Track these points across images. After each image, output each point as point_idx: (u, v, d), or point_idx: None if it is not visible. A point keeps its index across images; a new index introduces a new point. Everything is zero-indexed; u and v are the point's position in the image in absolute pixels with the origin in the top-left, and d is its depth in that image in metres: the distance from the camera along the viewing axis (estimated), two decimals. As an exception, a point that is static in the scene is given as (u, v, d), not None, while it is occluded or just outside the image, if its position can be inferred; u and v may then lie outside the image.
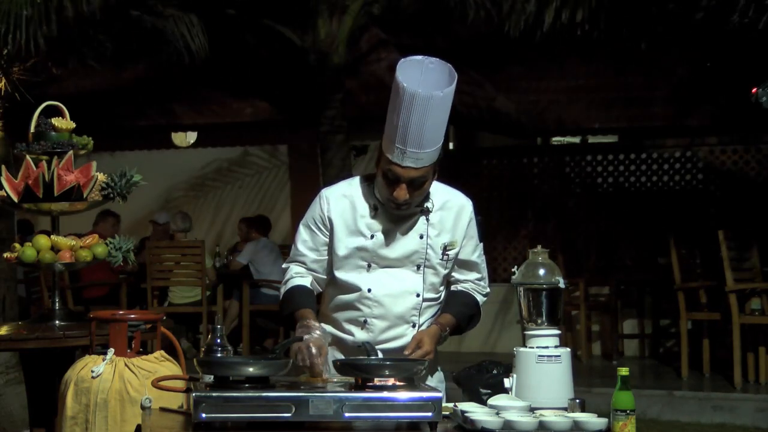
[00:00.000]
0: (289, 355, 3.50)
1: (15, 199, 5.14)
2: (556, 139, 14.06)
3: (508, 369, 3.63)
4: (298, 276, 3.94)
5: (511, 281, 3.82)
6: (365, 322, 3.88)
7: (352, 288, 3.88)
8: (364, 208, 3.87)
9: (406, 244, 3.86)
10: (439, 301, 3.96)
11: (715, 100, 11.48)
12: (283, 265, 4.02)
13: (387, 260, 3.86)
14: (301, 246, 3.94)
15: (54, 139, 5.17)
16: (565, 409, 3.36)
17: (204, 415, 3.03)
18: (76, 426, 4.01)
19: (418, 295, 3.88)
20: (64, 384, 4.08)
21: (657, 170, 11.95)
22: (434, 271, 3.90)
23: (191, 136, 13.62)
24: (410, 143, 3.67)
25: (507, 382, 3.56)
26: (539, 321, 3.58)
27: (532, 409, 3.32)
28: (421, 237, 3.86)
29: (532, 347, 3.54)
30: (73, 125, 5.27)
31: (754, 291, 9.23)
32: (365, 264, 3.86)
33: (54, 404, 4.30)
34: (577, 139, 14.03)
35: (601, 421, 3.18)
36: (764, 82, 7.99)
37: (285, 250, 11.89)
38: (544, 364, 3.49)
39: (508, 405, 3.32)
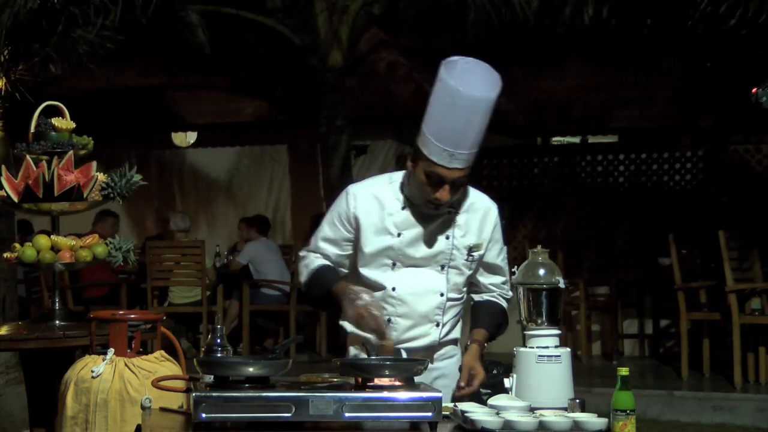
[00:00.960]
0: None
1: (15, 199, 5.14)
2: (556, 139, 14.06)
3: (508, 369, 3.64)
4: (318, 259, 3.96)
5: (511, 281, 3.83)
6: (389, 320, 3.90)
7: (377, 286, 3.90)
8: (391, 206, 3.89)
9: (432, 243, 3.88)
10: (462, 300, 3.99)
11: (715, 100, 11.48)
12: (301, 253, 4.02)
13: (412, 259, 3.88)
14: (322, 241, 3.96)
15: (54, 139, 5.17)
16: (565, 409, 3.36)
17: (204, 415, 3.03)
18: (76, 426, 4.00)
19: (441, 295, 3.90)
20: (64, 384, 4.07)
21: (657, 170, 11.95)
22: (458, 271, 3.92)
23: (191, 136, 13.62)
24: (461, 145, 3.69)
25: (507, 382, 3.56)
26: (539, 321, 3.58)
27: (532, 409, 3.32)
28: (447, 237, 3.88)
29: (532, 347, 3.54)
30: (73, 125, 5.27)
31: (754, 291, 9.23)
32: (390, 262, 3.89)
33: (54, 404, 4.29)
34: (577, 139, 14.03)
35: (601, 421, 3.18)
36: (764, 82, 7.99)
37: (285, 250, 11.91)
38: (544, 364, 3.49)
39: (508, 405, 3.32)
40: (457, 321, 4.00)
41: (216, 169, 13.70)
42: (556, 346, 3.54)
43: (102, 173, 5.20)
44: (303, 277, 4.01)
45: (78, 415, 4.00)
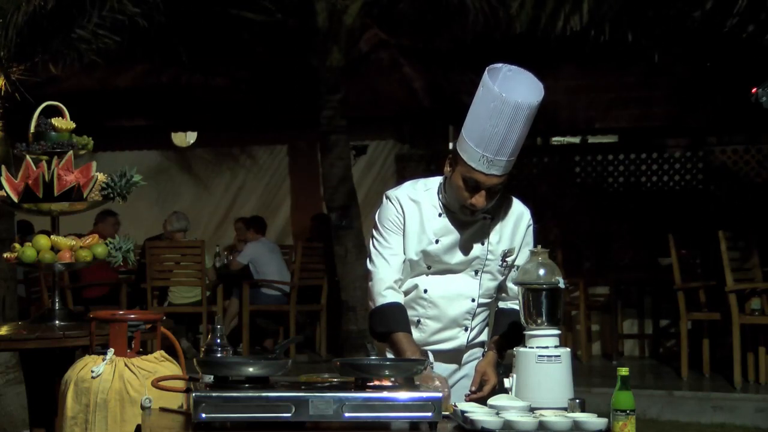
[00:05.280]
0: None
1: (15, 199, 5.14)
2: (556, 139, 14.06)
3: (508, 369, 3.63)
4: (392, 290, 3.89)
5: (512, 281, 3.83)
6: (419, 322, 3.93)
7: (409, 288, 3.92)
8: (429, 212, 3.90)
9: (468, 250, 3.89)
10: (491, 305, 4.01)
11: (715, 100, 11.48)
12: (371, 268, 3.93)
13: (448, 265, 3.90)
14: (387, 249, 3.91)
15: (54, 139, 5.17)
16: (565, 409, 3.36)
17: (204, 415, 3.03)
18: (75, 426, 4.00)
19: (473, 300, 3.92)
20: (64, 384, 4.07)
21: (657, 170, 11.95)
22: (492, 276, 3.94)
23: (191, 136, 13.62)
24: (501, 152, 3.70)
25: (507, 382, 3.56)
26: (539, 321, 3.58)
27: (532, 409, 3.31)
28: (483, 243, 3.90)
29: (532, 347, 3.54)
30: (73, 125, 5.27)
31: (754, 291, 9.23)
32: (425, 266, 3.90)
33: (54, 404, 4.29)
34: (577, 139, 14.03)
35: (601, 421, 3.17)
36: (764, 82, 7.98)
37: (285, 250, 11.91)
38: (544, 364, 3.49)
39: (508, 405, 3.32)
40: (486, 324, 4.03)
41: (216, 169, 13.69)
42: (556, 346, 3.53)
43: (102, 173, 5.20)
44: (371, 302, 3.94)
45: (78, 415, 4.00)
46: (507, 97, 3.64)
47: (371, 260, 3.95)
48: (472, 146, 3.71)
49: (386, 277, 3.90)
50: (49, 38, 8.42)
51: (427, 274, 3.90)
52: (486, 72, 3.71)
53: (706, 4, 8.29)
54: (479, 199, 3.76)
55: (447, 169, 3.84)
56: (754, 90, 8.06)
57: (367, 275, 3.97)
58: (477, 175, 3.72)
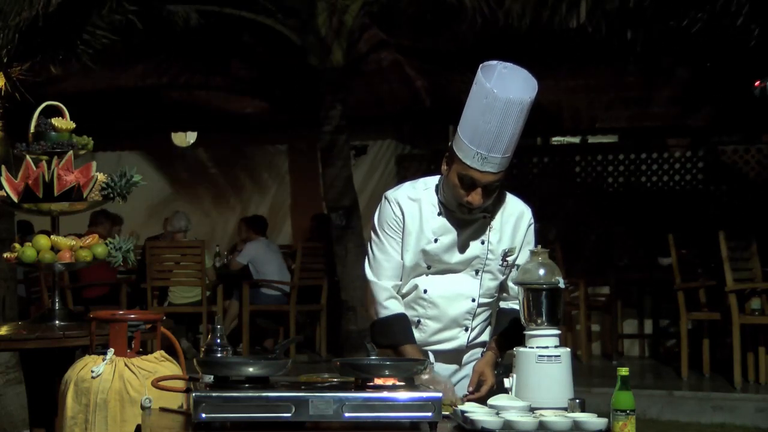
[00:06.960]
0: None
1: (15, 199, 5.14)
2: (556, 139, 14.06)
3: (508, 369, 3.63)
4: (393, 300, 3.90)
5: (512, 281, 3.83)
6: (419, 322, 3.93)
7: (409, 288, 3.92)
8: (428, 212, 3.89)
9: (468, 249, 3.88)
10: (492, 304, 4.00)
11: (715, 100, 11.48)
12: (370, 277, 3.93)
13: (447, 264, 3.89)
14: (384, 254, 3.91)
15: (54, 139, 5.17)
16: (565, 409, 3.36)
17: (204, 415, 3.03)
18: (75, 426, 4.00)
19: (473, 300, 3.91)
20: (64, 384, 4.07)
21: (657, 170, 11.95)
22: (492, 276, 3.93)
23: (191, 136, 13.62)
24: (494, 149, 3.69)
25: (507, 382, 3.56)
26: (539, 321, 3.58)
27: (532, 409, 3.32)
28: (483, 243, 3.89)
29: (532, 347, 3.54)
30: (73, 125, 5.27)
31: (754, 291, 9.23)
32: (425, 266, 3.89)
33: (54, 404, 4.29)
34: (577, 139, 14.03)
35: (601, 421, 3.18)
36: (769, 75, 7.97)
37: (285, 250, 11.91)
38: (544, 364, 3.49)
39: (508, 405, 3.32)
40: (487, 325, 4.02)
41: (215, 170, 13.70)
42: (556, 346, 3.53)
43: (102, 173, 5.20)
44: (373, 313, 3.94)
45: (78, 415, 3.99)
46: (498, 93, 3.65)
47: (370, 266, 3.95)
48: (466, 143, 3.72)
49: (386, 285, 3.90)
50: (50, 40, 8.42)
51: (427, 274, 3.90)
52: (480, 69, 3.72)
53: (706, 7, 8.28)
54: (475, 197, 3.76)
55: (444, 167, 3.84)
56: (758, 83, 8.05)
57: (365, 281, 3.97)
58: (472, 172, 3.72)
